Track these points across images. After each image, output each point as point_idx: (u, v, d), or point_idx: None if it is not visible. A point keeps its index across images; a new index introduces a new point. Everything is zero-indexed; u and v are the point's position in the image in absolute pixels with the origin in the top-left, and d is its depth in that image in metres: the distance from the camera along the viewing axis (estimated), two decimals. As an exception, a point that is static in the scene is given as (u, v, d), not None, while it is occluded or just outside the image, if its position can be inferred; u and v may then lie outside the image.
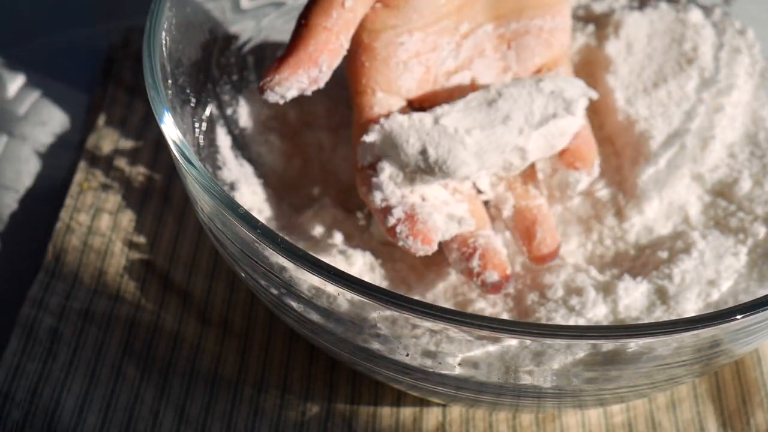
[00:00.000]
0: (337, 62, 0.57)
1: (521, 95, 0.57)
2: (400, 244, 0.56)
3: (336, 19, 0.56)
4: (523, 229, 0.59)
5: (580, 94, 0.59)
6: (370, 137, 0.57)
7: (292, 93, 0.56)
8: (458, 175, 0.56)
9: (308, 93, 0.56)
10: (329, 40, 0.56)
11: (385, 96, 0.59)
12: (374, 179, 0.57)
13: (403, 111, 0.60)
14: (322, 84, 0.57)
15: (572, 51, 0.68)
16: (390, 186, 0.56)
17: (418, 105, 0.61)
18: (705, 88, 0.65)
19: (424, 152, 0.55)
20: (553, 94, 0.57)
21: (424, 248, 0.55)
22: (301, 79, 0.55)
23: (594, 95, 0.60)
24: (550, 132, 0.57)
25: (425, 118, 0.56)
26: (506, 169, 0.58)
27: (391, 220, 0.56)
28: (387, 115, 0.59)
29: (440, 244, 0.57)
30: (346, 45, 0.57)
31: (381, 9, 0.58)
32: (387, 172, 0.56)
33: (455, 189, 0.59)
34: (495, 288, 0.56)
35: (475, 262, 0.56)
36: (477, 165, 0.56)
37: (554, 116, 0.57)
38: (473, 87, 0.61)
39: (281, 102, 0.56)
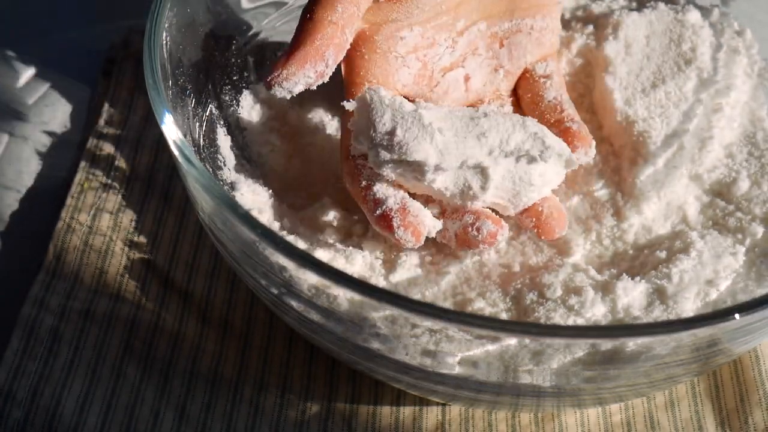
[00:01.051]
0: (341, 56, 0.57)
1: (505, 123, 0.57)
2: (390, 234, 0.56)
3: (341, 13, 0.56)
4: (530, 210, 0.59)
5: (561, 149, 0.58)
6: (350, 105, 0.57)
7: (299, 87, 0.56)
8: (413, 157, 0.55)
9: (313, 87, 0.57)
10: (335, 34, 0.56)
11: None
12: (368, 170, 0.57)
13: None
14: (326, 78, 0.57)
15: (571, 53, 0.68)
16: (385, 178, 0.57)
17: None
18: (703, 89, 0.65)
19: (392, 132, 0.55)
20: (535, 136, 0.57)
21: (412, 240, 0.56)
22: (308, 74, 0.55)
23: (575, 165, 0.59)
24: (519, 174, 0.57)
25: (406, 104, 0.56)
26: (462, 195, 0.57)
27: (383, 210, 0.56)
28: None
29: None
30: (350, 38, 0.57)
31: (384, 2, 0.58)
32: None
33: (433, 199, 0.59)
34: (491, 235, 0.56)
35: (467, 217, 0.57)
36: (436, 159, 0.55)
37: (527, 154, 0.56)
38: (467, 84, 0.62)
39: (288, 96, 0.56)
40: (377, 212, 0.56)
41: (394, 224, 0.56)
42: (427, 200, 0.59)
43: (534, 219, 0.59)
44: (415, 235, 0.56)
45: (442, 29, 0.60)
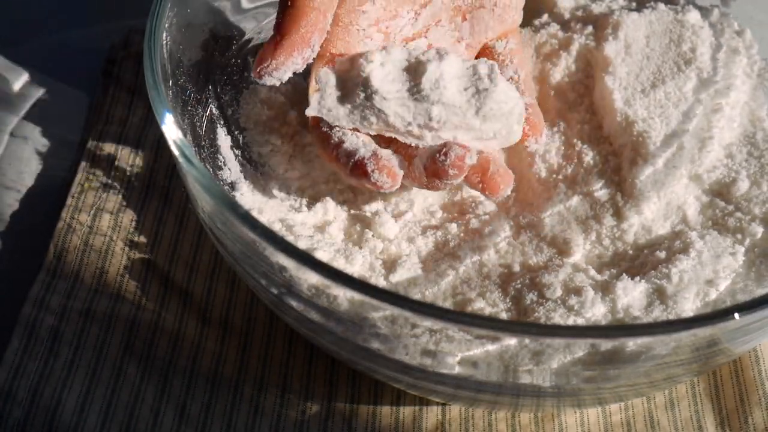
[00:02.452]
0: (323, 39, 0.58)
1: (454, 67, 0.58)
2: (366, 179, 0.57)
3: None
4: (477, 167, 0.59)
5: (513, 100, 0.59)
6: (311, 110, 0.58)
7: (287, 75, 0.57)
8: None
9: (299, 71, 0.57)
10: (318, 20, 0.57)
11: None
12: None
13: None
14: (310, 60, 0.58)
15: (571, 54, 0.68)
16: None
17: None
18: (703, 89, 0.65)
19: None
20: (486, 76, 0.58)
21: (388, 181, 0.57)
22: (295, 61, 0.57)
23: (519, 135, 0.60)
24: (470, 106, 0.58)
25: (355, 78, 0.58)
26: (421, 129, 0.58)
27: (356, 159, 0.57)
28: None
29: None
30: (330, 20, 0.58)
31: None
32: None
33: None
34: (459, 158, 0.56)
35: (434, 148, 0.57)
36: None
37: (474, 86, 0.58)
38: None
39: (278, 84, 0.57)
40: (350, 163, 0.57)
41: (369, 168, 0.56)
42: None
43: (479, 175, 0.59)
44: (390, 176, 0.57)
45: (405, 1, 0.61)
